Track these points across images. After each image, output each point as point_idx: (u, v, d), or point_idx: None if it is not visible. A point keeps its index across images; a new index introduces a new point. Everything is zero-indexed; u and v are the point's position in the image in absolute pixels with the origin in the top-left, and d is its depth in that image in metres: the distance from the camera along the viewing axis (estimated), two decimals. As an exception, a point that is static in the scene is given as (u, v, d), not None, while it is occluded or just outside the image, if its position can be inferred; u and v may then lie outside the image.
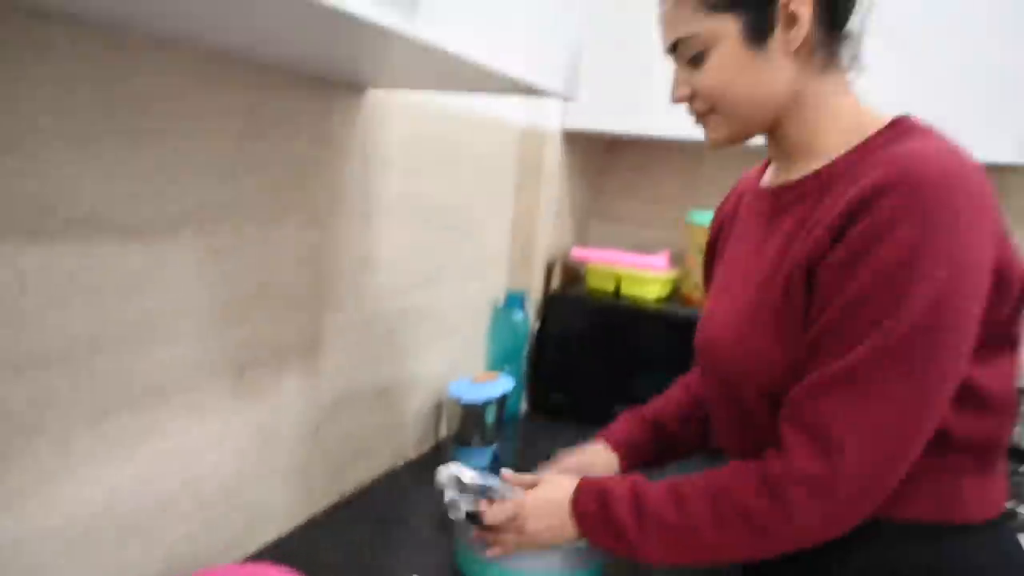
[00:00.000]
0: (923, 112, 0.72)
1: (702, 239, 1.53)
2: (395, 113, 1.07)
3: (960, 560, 0.70)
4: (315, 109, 0.91)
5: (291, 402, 0.96)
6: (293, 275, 0.92)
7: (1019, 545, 0.76)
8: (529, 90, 0.83)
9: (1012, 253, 0.67)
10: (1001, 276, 0.65)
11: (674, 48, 0.75)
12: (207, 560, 0.85)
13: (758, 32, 0.70)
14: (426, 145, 1.17)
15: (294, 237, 0.91)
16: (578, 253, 1.65)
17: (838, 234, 0.65)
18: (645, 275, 1.57)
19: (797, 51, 0.71)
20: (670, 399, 1.02)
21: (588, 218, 1.90)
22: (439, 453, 1.32)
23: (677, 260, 1.66)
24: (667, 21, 0.75)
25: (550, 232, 1.63)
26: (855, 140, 0.71)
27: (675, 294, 1.65)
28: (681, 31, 0.73)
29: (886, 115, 0.72)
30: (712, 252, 0.96)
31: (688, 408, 0.99)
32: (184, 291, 0.76)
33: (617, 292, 1.58)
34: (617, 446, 0.96)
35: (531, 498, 0.80)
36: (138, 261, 0.71)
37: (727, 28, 0.70)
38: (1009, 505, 0.90)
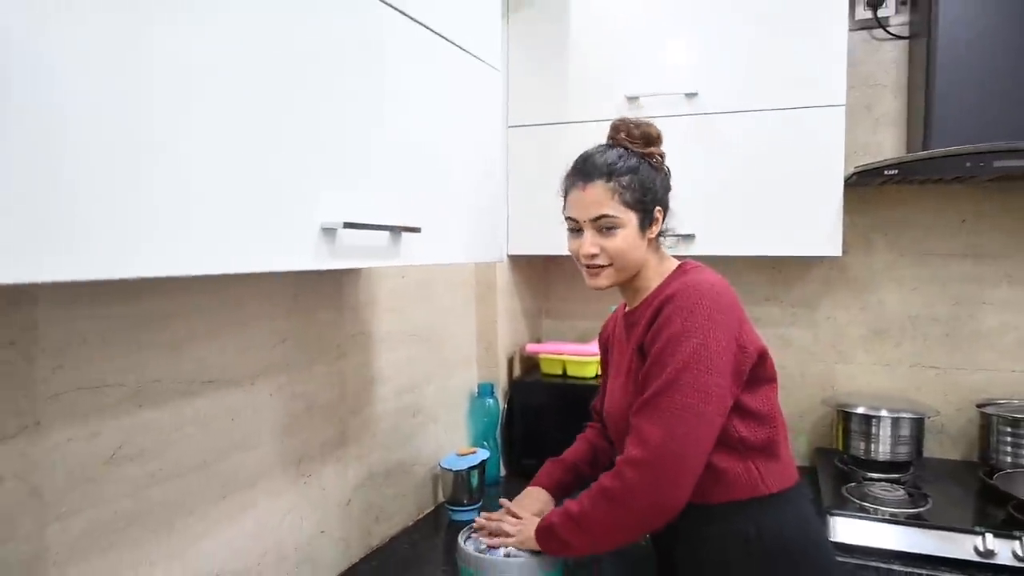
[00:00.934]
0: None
1: (622, 327, 2.00)
2: (383, 273, 1.56)
3: (771, 520, 1.12)
4: (331, 286, 1.40)
5: (331, 482, 1.40)
6: (326, 396, 1.38)
7: (810, 506, 1.21)
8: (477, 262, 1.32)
9: (747, 329, 1.14)
10: (741, 346, 1.11)
11: (596, 220, 1.18)
12: (288, 594, 1.27)
13: (644, 224, 1.20)
14: (406, 289, 1.65)
15: (325, 370, 1.38)
16: (531, 348, 2.12)
17: (648, 326, 1.14)
18: (584, 359, 2.03)
19: (653, 238, 1.22)
20: (579, 450, 1.47)
21: (539, 317, 2.38)
22: (438, 512, 1.75)
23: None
24: (597, 203, 1.17)
25: (508, 333, 2.10)
26: (663, 278, 1.22)
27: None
28: (608, 211, 1.17)
29: (676, 263, 1.26)
30: (604, 352, 1.44)
31: (591, 454, 1.45)
32: (261, 416, 1.22)
33: (564, 374, 2.05)
34: (549, 488, 1.40)
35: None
36: (236, 400, 1.16)
37: (632, 219, 1.18)
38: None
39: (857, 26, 1.98)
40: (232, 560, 1.15)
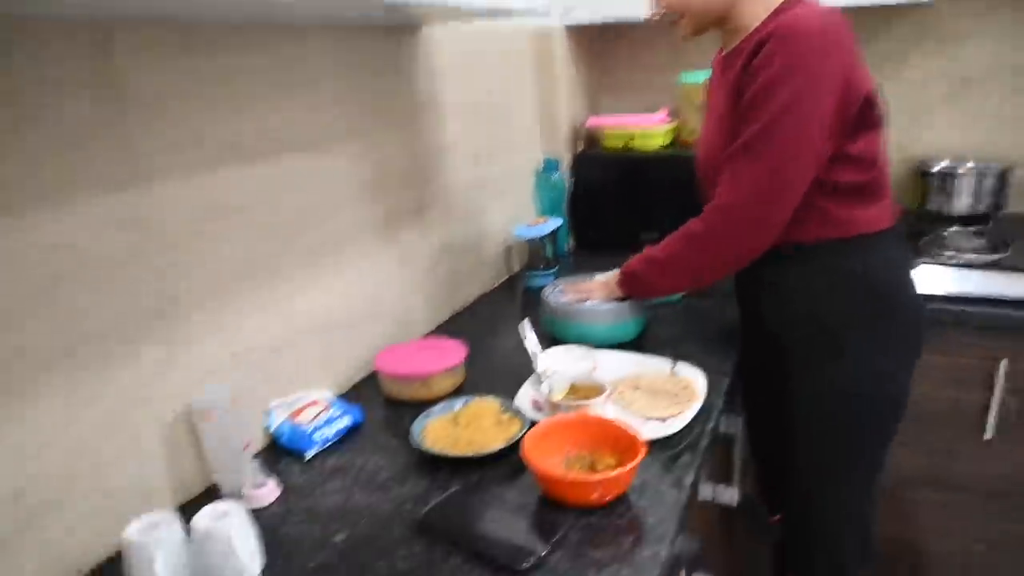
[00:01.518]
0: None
1: (692, 95, 1.95)
2: (443, 41, 1.49)
3: (862, 259, 1.11)
4: (389, 50, 1.34)
5: (415, 247, 1.45)
6: (399, 163, 1.39)
7: (904, 249, 1.19)
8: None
9: (856, 68, 1.03)
10: (847, 89, 1.02)
11: None
12: (392, 342, 1.37)
13: None
14: (466, 60, 1.59)
15: (395, 138, 1.37)
16: (593, 121, 2.06)
17: (745, 67, 1.05)
18: (650, 130, 1.97)
19: None
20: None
21: (598, 92, 2.29)
22: (514, 279, 1.82)
23: (674, 114, 2.05)
24: None
25: (569, 107, 2.04)
26: (766, 14, 1.08)
27: (675, 141, 2.04)
28: None
29: None
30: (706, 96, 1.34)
31: None
32: (341, 182, 1.23)
33: (627, 147, 2.00)
34: None
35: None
36: (317, 163, 1.17)
37: None
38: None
39: None
40: (335, 311, 1.24)
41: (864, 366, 1.13)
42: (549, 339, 1.34)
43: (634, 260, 1.24)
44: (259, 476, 0.93)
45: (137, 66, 0.85)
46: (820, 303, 1.13)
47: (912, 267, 1.20)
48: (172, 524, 0.78)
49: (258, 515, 0.90)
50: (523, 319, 1.28)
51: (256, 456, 1.02)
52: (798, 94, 1.00)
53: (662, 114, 2.01)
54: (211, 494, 0.96)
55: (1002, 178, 1.78)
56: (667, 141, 2.00)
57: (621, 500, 0.88)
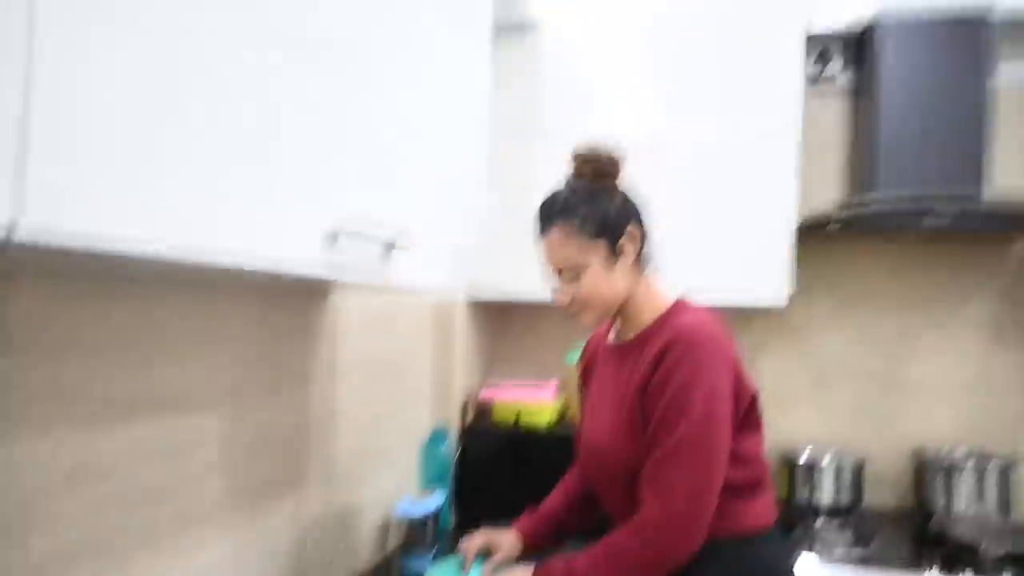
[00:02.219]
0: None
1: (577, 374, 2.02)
2: (349, 307, 1.52)
3: (748, 558, 1.12)
4: (299, 313, 1.35)
5: (286, 521, 1.32)
6: (287, 427, 1.31)
7: (785, 546, 1.22)
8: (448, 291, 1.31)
9: (742, 372, 1.13)
10: (737, 390, 1.11)
11: (560, 269, 1.18)
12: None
13: (612, 257, 1.17)
14: (369, 325, 1.62)
15: (285, 402, 1.31)
16: (485, 393, 2.10)
17: (652, 370, 1.11)
18: (538, 406, 2.02)
19: (630, 269, 1.19)
20: (555, 498, 1.42)
21: (493, 363, 2.37)
22: (391, 559, 1.66)
23: (562, 390, 2.13)
24: (557, 250, 1.17)
25: (462, 378, 2.07)
26: (657, 314, 1.19)
27: (561, 418, 2.09)
28: (568, 256, 1.16)
29: (670, 297, 1.22)
30: (583, 381, 1.40)
31: (569, 501, 1.40)
32: (223, 444, 1.14)
33: (517, 421, 2.02)
34: (523, 534, 1.35)
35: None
36: (198, 425, 1.09)
37: (596, 255, 1.15)
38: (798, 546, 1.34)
39: (805, 82, 2.13)
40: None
41: None
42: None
43: (554, 567, 1.13)
44: None
45: (26, 314, 0.79)
46: None
47: (794, 563, 1.22)
48: None
49: None
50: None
51: None
52: (710, 398, 1.07)
53: (550, 391, 2.07)
54: None
55: (858, 472, 1.91)
56: (554, 418, 2.03)
57: None
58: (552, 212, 1.18)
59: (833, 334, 2.13)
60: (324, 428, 1.44)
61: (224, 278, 1.04)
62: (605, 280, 1.17)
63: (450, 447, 1.92)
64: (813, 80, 2.14)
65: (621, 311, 1.22)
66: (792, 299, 2.11)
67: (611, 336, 1.29)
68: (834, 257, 2.13)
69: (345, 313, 1.51)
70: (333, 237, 0.86)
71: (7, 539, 0.78)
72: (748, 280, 1.85)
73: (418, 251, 1.09)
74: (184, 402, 1.05)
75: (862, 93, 2.01)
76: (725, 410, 1.08)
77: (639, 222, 1.22)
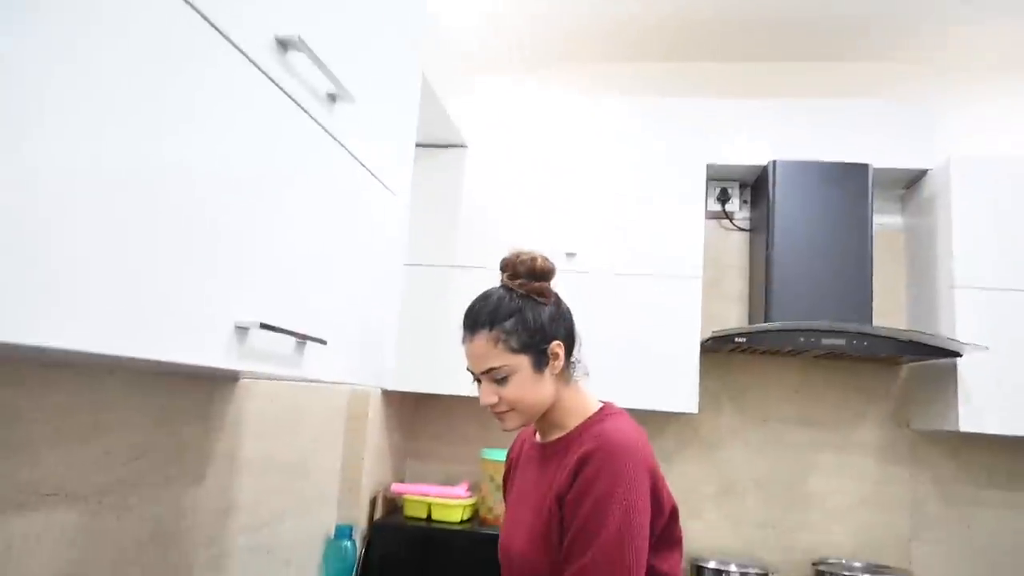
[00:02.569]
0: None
1: (493, 471, 2.02)
2: (256, 393, 1.47)
3: None
4: (201, 399, 1.30)
5: (167, 627, 1.22)
6: (177, 523, 1.23)
7: None
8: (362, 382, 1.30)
9: (662, 485, 1.11)
10: (656, 503, 1.08)
11: (486, 372, 1.14)
12: None
13: (539, 364, 1.15)
14: (277, 413, 1.57)
15: (179, 494, 1.24)
16: (396, 488, 2.03)
17: (572, 478, 1.07)
18: (450, 503, 1.97)
19: (557, 375, 1.17)
20: None
21: (404, 458, 2.31)
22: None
23: (475, 489, 2.09)
24: (483, 356, 1.14)
25: (373, 471, 2.01)
26: (581, 419, 1.17)
27: (475, 516, 2.05)
28: (495, 363, 1.13)
29: (595, 403, 1.20)
30: (507, 480, 1.35)
31: None
32: (105, 540, 1.06)
33: (429, 517, 1.96)
34: None
35: None
36: (77, 520, 1.01)
37: (523, 363, 1.13)
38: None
39: (709, 216, 2.30)
40: None
41: None
42: None
43: None
44: None
45: None
46: None
47: None
48: None
49: None
50: None
51: None
52: (628, 511, 1.03)
53: (463, 488, 2.03)
54: None
55: (763, 584, 1.93)
56: (467, 516, 1.99)
57: None
58: (479, 318, 1.16)
59: (739, 446, 2.20)
60: (217, 524, 1.36)
61: (120, 363, 1.00)
62: (531, 387, 1.15)
63: (355, 545, 1.84)
64: (716, 216, 2.31)
65: (547, 414, 1.19)
66: (702, 410, 2.19)
67: (536, 437, 1.27)
68: (739, 374, 2.23)
69: (252, 399, 1.46)
70: (243, 330, 0.85)
71: None
72: (662, 389, 1.92)
73: (333, 345, 1.08)
74: (64, 495, 0.98)
75: (759, 229, 2.18)
76: (642, 524, 1.04)
77: (568, 330, 1.21)
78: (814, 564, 2.01)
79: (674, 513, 1.13)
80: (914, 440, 2.12)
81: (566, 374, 1.20)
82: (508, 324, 1.14)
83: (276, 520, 1.58)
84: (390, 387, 2.03)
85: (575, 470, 1.08)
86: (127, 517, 1.11)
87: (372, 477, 2.00)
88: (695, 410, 1.91)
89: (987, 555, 2.01)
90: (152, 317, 0.69)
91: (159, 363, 0.88)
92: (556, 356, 1.17)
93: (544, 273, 1.20)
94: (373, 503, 2.01)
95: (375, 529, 1.93)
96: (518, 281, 1.19)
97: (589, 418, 1.17)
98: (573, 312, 1.26)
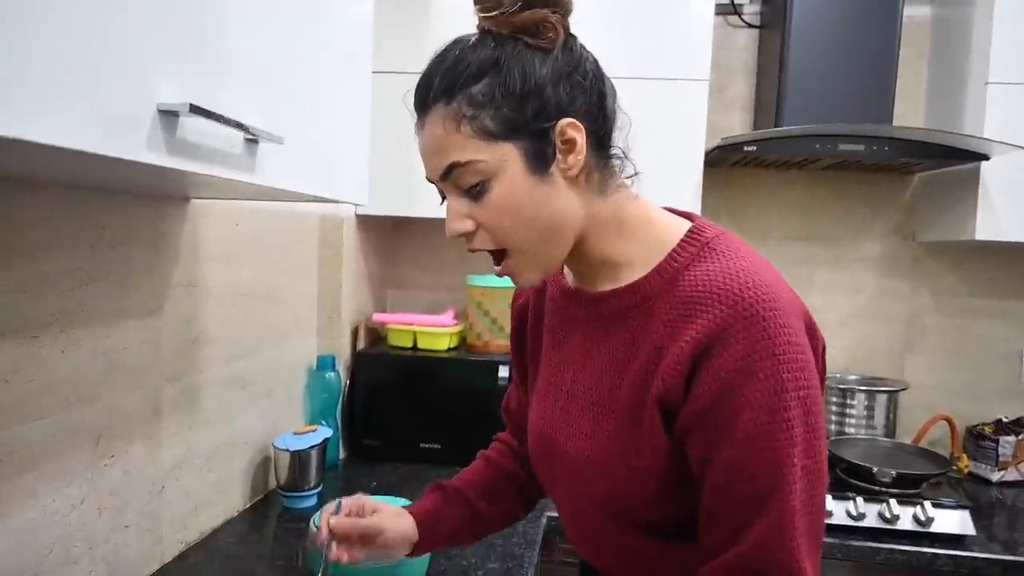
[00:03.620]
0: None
1: (480, 297, 1.90)
2: (214, 216, 1.30)
3: None
4: (149, 220, 1.12)
5: (138, 465, 1.13)
6: (137, 356, 1.11)
7: None
8: (333, 201, 1.13)
9: (817, 335, 0.70)
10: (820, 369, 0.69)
11: (446, 175, 0.70)
12: (76, 606, 0.99)
13: (540, 159, 0.68)
14: (241, 238, 1.40)
15: (136, 324, 1.10)
16: (378, 317, 1.93)
17: (687, 377, 0.65)
18: (436, 331, 1.87)
19: (576, 177, 0.70)
20: (475, 474, 0.98)
21: (384, 287, 2.19)
22: (270, 499, 1.51)
23: (461, 316, 2.00)
24: (438, 148, 0.69)
25: (353, 301, 1.89)
26: (657, 253, 0.72)
27: (462, 344, 1.97)
28: (458, 156, 0.68)
29: (676, 221, 0.76)
30: (518, 343, 0.94)
31: (495, 483, 0.97)
32: (50, 377, 0.93)
33: (414, 347, 1.88)
34: (421, 522, 0.91)
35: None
36: (13, 356, 0.88)
37: (509, 156, 0.67)
38: None
39: (715, 11, 2.02)
40: (11, 556, 0.87)
41: None
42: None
43: None
44: None
45: None
46: None
47: None
48: None
49: None
50: (321, 511, 0.93)
51: None
52: (806, 450, 0.64)
53: (449, 315, 1.93)
54: None
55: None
56: (454, 344, 1.91)
57: None
58: (431, 85, 0.70)
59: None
60: (184, 358, 1.24)
61: (59, 172, 0.81)
62: (527, 200, 0.69)
63: (339, 376, 1.76)
64: (723, 11, 2.03)
65: (580, 249, 0.75)
66: (701, 224, 2.06)
67: (567, 280, 0.83)
68: (740, 189, 2.08)
69: (210, 222, 1.29)
70: (170, 115, 0.65)
71: None
72: (661, 200, 1.76)
73: (294, 146, 0.89)
74: (5, 324, 0.84)
75: (772, 25, 1.92)
76: (824, 453, 0.67)
77: (594, 98, 0.72)
78: (807, 379, 2.00)
79: (823, 353, 0.74)
80: (917, 253, 2.04)
81: (596, 178, 0.73)
82: (478, 89, 0.67)
83: (251, 352, 1.47)
84: (366, 207, 1.85)
85: (693, 360, 0.65)
86: (73, 351, 0.97)
87: (352, 307, 1.89)
88: (695, 227, 1.78)
89: (979, 364, 2.01)
90: (43, 89, 0.50)
91: (74, 161, 0.70)
92: (571, 144, 0.69)
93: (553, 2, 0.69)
94: (355, 334, 1.92)
95: (359, 359, 1.84)
96: (498, 14, 0.68)
97: (675, 254, 0.71)
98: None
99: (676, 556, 0.72)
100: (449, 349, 1.88)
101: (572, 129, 0.69)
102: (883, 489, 1.53)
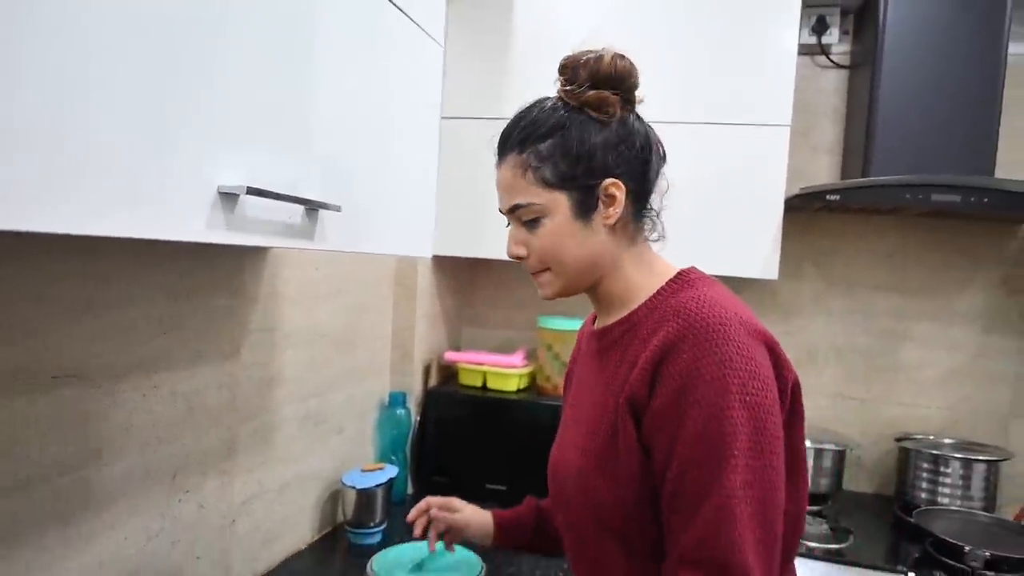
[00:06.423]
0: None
1: (550, 340, 1.91)
2: (292, 262, 1.38)
3: None
4: (228, 270, 1.20)
5: (212, 499, 1.20)
6: (214, 398, 1.19)
7: None
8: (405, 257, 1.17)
9: (783, 356, 0.80)
10: (779, 378, 0.78)
11: (512, 211, 0.87)
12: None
13: (584, 208, 0.83)
14: (319, 282, 1.47)
15: (214, 370, 1.18)
16: (450, 356, 1.97)
17: (651, 380, 0.76)
18: (506, 371, 1.89)
19: (614, 226, 0.85)
20: (543, 503, 1.11)
21: (460, 324, 2.24)
22: (337, 534, 1.56)
23: (532, 357, 2.01)
24: (508, 188, 0.87)
25: (426, 339, 1.94)
26: (650, 291, 0.86)
27: (531, 385, 1.97)
28: (521, 199, 0.85)
29: (673, 269, 0.89)
30: (567, 382, 1.06)
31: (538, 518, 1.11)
32: (130, 419, 1.01)
33: (484, 386, 1.90)
34: (498, 520, 1.10)
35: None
36: (99, 399, 0.96)
37: (560, 202, 0.83)
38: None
39: (801, 51, 1.96)
40: (79, 593, 0.95)
41: None
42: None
43: None
44: None
45: None
46: None
47: None
48: None
49: None
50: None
51: None
52: (756, 418, 0.72)
53: (519, 356, 1.95)
54: None
55: (840, 458, 1.82)
56: (523, 385, 1.92)
57: None
58: (510, 137, 0.87)
59: (820, 315, 2.01)
60: (259, 398, 1.31)
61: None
62: (569, 239, 0.85)
63: (410, 413, 1.81)
64: (809, 51, 1.97)
65: (603, 287, 0.89)
66: (782, 276, 1.98)
67: (596, 323, 0.96)
68: (824, 236, 1.99)
69: (289, 268, 1.37)
70: (230, 197, 0.70)
71: None
72: (739, 252, 1.71)
73: (355, 213, 0.94)
74: (82, 375, 0.92)
75: (862, 64, 1.84)
76: (776, 430, 0.74)
77: (639, 167, 0.86)
78: (897, 440, 1.87)
79: (796, 388, 0.82)
80: (1025, 310, 1.88)
81: (631, 230, 0.88)
82: (544, 147, 0.83)
83: (325, 390, 1.54)
84: (435, 253, 1.90)
85: (654, 366, 0.77)
86: (153, 395, 1.05)
87: (425, 344, 1.94)
88: (775, 275, 1.72)
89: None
90: (106, 184, 0.56)
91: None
92: (612, 200, 0.84)
93: (612, 77, 0.84)
94: (427, 371, 1.96)
95: (430, 397, 1.89)
96: (584, 79, 0.84)
97: (661, 289, 0.86)
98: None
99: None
100: (518, 390, 1.89)
101: (614, 187, 0.85)
102: (975, 571, 1.40)
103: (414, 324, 1.87)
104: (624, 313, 0.88)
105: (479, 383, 1.91)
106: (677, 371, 0.75)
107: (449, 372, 2.04)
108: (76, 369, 0.92)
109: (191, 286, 1.11)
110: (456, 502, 1.14)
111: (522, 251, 0.89)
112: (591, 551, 0.86)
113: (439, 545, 1.15)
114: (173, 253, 1.07)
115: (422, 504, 1.14)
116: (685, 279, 0.86)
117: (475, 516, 1.12)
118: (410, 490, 1.85)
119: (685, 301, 0.80)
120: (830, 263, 1.99)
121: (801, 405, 0.83)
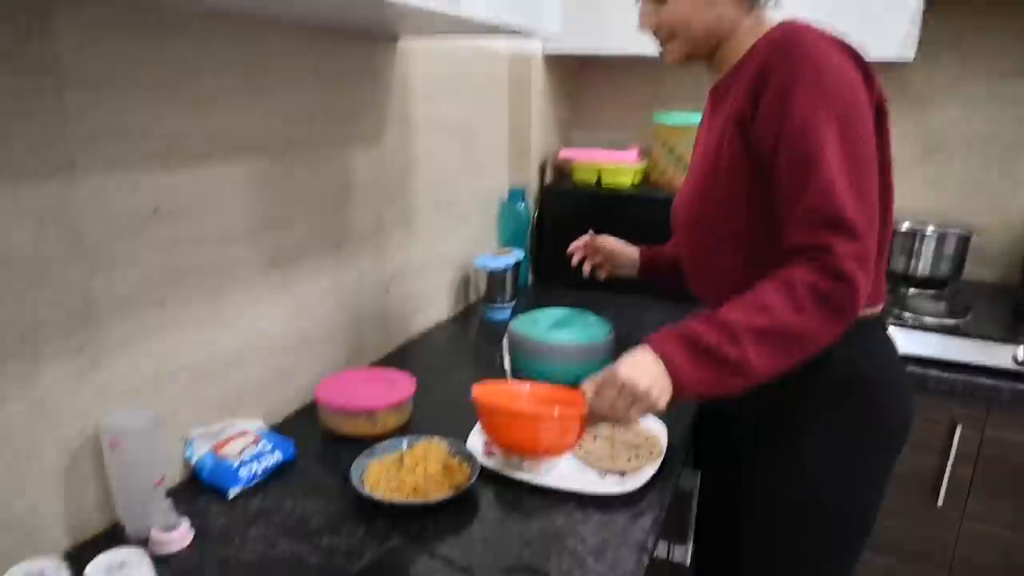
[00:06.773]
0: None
1: (666, 136, 1.92)
2: (418, 56, 1.42)
3: (859, 348, 0.95)
4: (363, 60, 1.27)
5: (370, 267, 1.36)
6: (361, 178, 1.30)
7: (887, 332, 1.03)
8: (526, 34, 1.19)
9: (874, 78, 0.89)
10: (879, 114, 0.89)
11: None
12: (337, 370, 1.27)
13: None
14: (440, 78, 1.52)
15: (359, 153, 1.29)
16: (565, 153, 2.02)
17: (752, 96, 0.88)
18: (621, 167, 1.93)
19: None
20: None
21: (571, 126, 2.26)
22: (471, 311, 1.74)
23: (646, 154, 2.02)
24: None
25: (540, 137, 1.99)
26: (752, 40, 0.95)
27: (645, 181, 2.01)
28: None
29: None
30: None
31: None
32: (296, 194, 1.14)
33: (599, 182, 1.96)
34: (643, 253, 1.32)
35: (620, 364, 0.84)
36: (269, 171, 1.08)
37: None
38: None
39: None
40: (275, 332, 1.13)
41: (832, 471, 0.98)
42: (513, 377, 1.27)
43: (708, 334, 0.81)
44: (171, 517, 0.82)
45: (78, 46, 0.75)
46: (812, 400, 0.98)
47: (898, 359, 1.03)
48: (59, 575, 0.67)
49: (165, 563, 0.78)
50: (504, 339, 1.29)
51: (171, 492, 0.90)
52: (844, 119, 0.82)
53: (633, 152, 1.97)
54: (112, 535, 0.84)
55: (963, 244, 1.79)
56: (637, 180, 1.96)
57: (578, 563, 0.79)
58: None
59: (955, 103, 1.88)
60: (400, 181, 1.43)
61: (285, 14, 0.95)
62: (698, 7, 0.95)
63: (528, 208, 1.91)
64: None
65: (718, 54, 0.99)
66: (916, 60, 1.85)
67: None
68: (967, 15, 1.81)
69: (415, 63, 1.42)
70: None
71: (91, 270, 0.82)
72: (872, 28, 1.60)
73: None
74: (250, 147, 1.03)
75: None
76: (867, 128, 0.85)
77: None
78: (1027, 226, 1.81)
79: (883, 104, 0.91)
80: None
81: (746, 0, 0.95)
82: None
83: (452, 181, 1.64)
84: (555, 46, 1.89)
85: (753, 84, 0.88)
86: (316, 171, 1.17)
87: (540, 143, 1.99)
88: (910, 57, 1.61)
89: None
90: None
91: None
92: None
93: None
94: (543, 169, 2.03)
95: (546, 193, 1.97)
96: None
97: (765, 34, 0.93)
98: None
99: (758, 277, 0.87)
100: (633, 185, 1.94)
101: None
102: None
103: (529, 123, 1.92)
104: (734, 62, 0.98)
105: (593, 179, 1.96)
106: (775, 82, 0.85)
107: (563, 172, 2.10)
108: (249, 142, 1.03)
109: (328, 72, 1.17)
110: (608, 237, 1.34)
111: (653, 21, 0.99)
112: (705, 258, 1.02)
113: (571, 310, 1.31)
114: (314, 41, 1.13)
115: (582, 239, 1.34)
116: (785, 25, 0.92)
117: (625, 249, 1.33)
118: (531, 279, 1.99)
119: (780, 31, 0.90)
120: (971, 45, 1.83)
121: (887, 127, 0.93)
